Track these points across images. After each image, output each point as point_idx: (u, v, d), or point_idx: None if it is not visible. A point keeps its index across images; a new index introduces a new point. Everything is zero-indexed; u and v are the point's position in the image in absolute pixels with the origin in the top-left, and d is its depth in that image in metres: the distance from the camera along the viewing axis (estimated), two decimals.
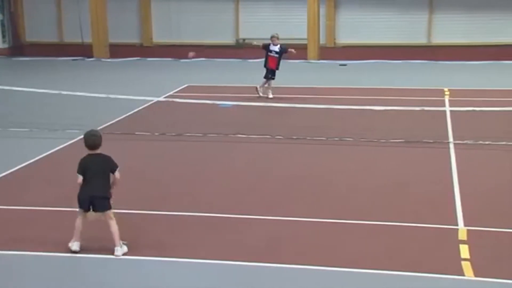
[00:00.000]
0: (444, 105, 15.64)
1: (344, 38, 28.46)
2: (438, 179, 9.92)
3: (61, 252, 7.06)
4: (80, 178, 7.06)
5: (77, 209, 7.13)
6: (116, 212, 7.13)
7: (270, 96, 17.04)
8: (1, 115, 14.57)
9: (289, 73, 22.49)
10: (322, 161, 11.15)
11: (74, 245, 7.06)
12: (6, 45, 30.61)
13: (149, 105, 15.54)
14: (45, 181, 9.85)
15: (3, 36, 30.95)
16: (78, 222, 7.12)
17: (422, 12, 27.96)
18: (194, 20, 29.35)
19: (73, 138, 12.25)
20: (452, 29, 27.58)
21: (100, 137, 7.24)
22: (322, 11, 27.37)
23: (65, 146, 11.70)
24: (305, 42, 26.20)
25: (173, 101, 15.45)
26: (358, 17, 27.91)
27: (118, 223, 7.07)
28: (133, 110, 15.13)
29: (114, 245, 7.05)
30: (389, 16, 28.17)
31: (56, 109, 15.24)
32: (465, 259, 6.90)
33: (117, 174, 7.17)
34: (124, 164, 10.85)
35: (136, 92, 15.41)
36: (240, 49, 27.92)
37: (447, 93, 17.48)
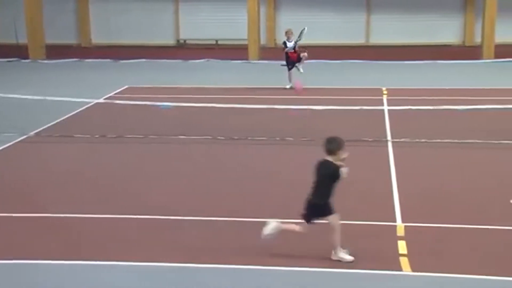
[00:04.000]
0: (382, 104, 15.92)
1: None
2: (377, 177, 10.12)
3: None
4: None
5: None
6: (52, 217, 6.99)
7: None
8: None
9: (229, 73, 22.61)
10: (262, 160, 11.21)
11: None
12: None
13: (88, 107, 15.30)
14: None
15: None
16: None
17: (360, 13, 28.48)
18: (134, 21, 29.12)
19: (9, 142, 11.95)
20: (390, 30, 28.18)
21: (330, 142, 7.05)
22: (263, 11, 27.53)
23: (1, 150, 11.40)
24: (245, 42, 26.30)
25: (112, 103, 15.27)
26: (297, 18, 28.18)
27: (56, 227, 6.91)
28: (71, 112, 14.87)
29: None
30: (328, 17, 28.56)
31: None
32: (402, 255, 7.06)
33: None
34: (63, 167, 10.75)
35: (75, 93, 15.15)
36: (181, 50, 27.84)
37: (385, 92, 17.79)
